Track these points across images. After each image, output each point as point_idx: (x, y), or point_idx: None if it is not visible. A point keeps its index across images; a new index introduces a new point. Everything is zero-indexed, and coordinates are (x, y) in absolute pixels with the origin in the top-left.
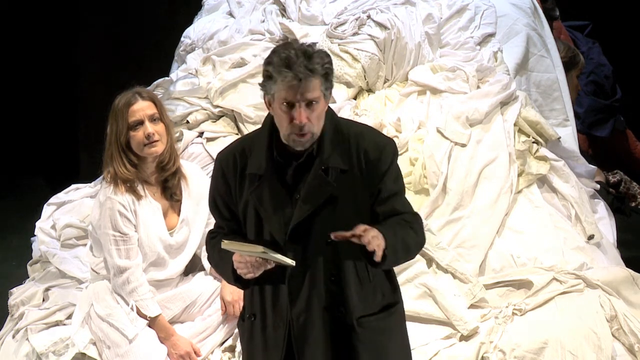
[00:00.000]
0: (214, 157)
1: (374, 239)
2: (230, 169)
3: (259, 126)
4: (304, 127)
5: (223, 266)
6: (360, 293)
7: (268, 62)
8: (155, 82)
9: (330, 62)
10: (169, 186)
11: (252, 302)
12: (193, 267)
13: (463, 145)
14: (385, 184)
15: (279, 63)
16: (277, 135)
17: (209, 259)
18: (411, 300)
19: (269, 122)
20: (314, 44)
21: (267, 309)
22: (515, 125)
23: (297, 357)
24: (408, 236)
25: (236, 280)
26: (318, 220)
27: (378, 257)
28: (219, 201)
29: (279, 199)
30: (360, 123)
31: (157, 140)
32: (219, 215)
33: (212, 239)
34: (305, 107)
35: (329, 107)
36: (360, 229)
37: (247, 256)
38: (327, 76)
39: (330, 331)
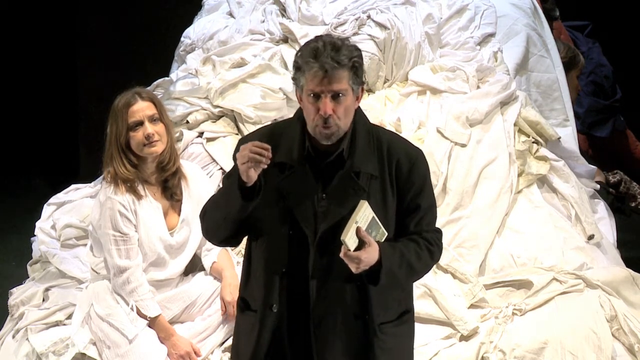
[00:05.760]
0: (214, 157)
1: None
2: None
3: (259, 126)
4: (328, 119)
5: (229, 193)
6: (381, 299)
7: (298, 53)
8: (155, 82)
9: (360, 57)
10: (169, 186)
11: (270, 293)
12: (193, 267)
13: (463, 145)
14: (418, 200)
15: (307, 54)
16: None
17: (204, 211)
18: None
19: (301, 114)
20: (347, 38)
21: (289, 304)
22: (515, 125)
23: (317, 357)
24: (420, 260)
25: (242, 190)
26: (345, 224)
27: (354, 271)
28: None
29: (307, 194)
30: (389, 131)
31: (156, 141)
32: None
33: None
34: (331, 99)
35: (361, 111)
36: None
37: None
38: (356, 70)
39: (351, 335)
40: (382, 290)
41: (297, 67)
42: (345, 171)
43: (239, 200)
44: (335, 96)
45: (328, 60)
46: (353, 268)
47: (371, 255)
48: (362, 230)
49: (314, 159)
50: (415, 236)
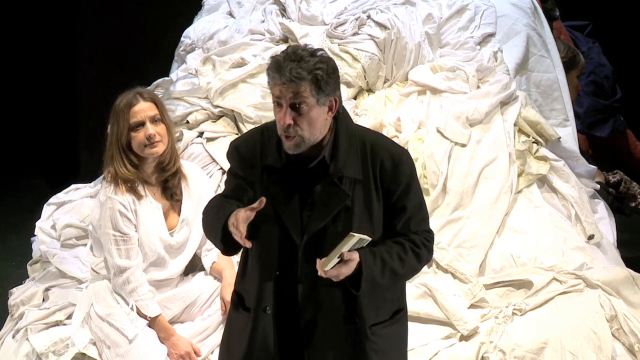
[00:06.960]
0: (214, 157)
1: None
2: (248, 157)
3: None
4: (288, 129)
5: (215, 225)
6: (371, 302)
7: (268, 63)
8: (155, 82)
9: (326, 68)
10: (169, 186)
11: (264, 295)
12: (193, 267)
13: (463, 145)
14: (404, 201)
15: (271, 66)
16: None
17: (204, 213)
18: (411, 300)
19: None
20: (317, 50)
21: (282, 307)
22: (515, 125)
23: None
24: (404, 264)
25: (223, 241)
26: (332, 228)
27: (334, 280)
28: (232, 181)
29: (293, 199)
30: (373, 131)
31: (158, 141)
32: (230, 190)
33: (214, 199)
34: (291, 110)
35: (345, 113)
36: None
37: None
38: (317, 82)
39: (342, 339)
40: (371, 294)
41: (267, 77)
42: (328, 177)
43: (221, 247)
44: (295, 107)
45: (286, 73)
46: (333, 278)
47: (351, 267)
48: (345, 253)
49: (299, 164)
50: (401, 238)
